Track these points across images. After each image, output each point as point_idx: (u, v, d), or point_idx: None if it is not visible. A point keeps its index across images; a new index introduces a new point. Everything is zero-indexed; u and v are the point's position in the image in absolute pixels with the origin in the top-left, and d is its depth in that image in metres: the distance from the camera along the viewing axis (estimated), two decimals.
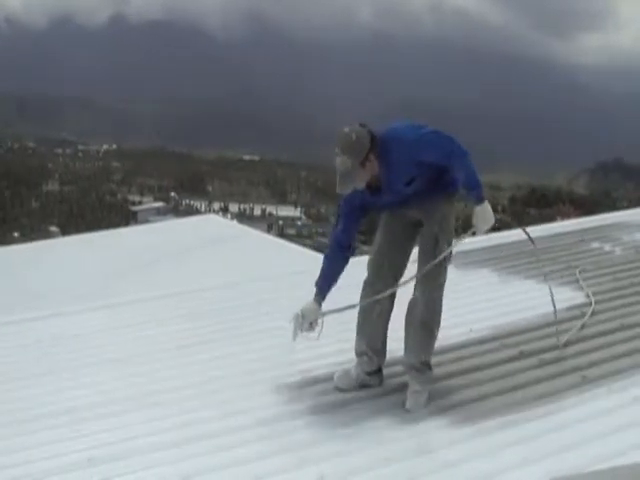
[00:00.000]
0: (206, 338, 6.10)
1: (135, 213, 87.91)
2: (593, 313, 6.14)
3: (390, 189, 4.52)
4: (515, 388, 4.80)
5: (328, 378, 5.04)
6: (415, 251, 4.86)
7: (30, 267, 15.82)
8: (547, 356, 5.27)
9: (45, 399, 4.99)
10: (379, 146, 4.35)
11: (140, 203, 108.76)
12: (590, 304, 6.35)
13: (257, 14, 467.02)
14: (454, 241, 4.71)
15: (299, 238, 64.32)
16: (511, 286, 7.16)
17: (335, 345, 5.48)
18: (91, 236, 20.06)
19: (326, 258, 4.80)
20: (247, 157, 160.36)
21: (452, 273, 4.96)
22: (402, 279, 4.80)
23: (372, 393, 4.85)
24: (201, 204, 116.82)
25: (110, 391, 5.07)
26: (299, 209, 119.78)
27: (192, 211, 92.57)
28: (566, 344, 5.45)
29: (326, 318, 4.67)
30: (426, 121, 4.61)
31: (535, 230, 8.69)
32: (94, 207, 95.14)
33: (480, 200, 4.46)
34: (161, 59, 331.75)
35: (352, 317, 4.94)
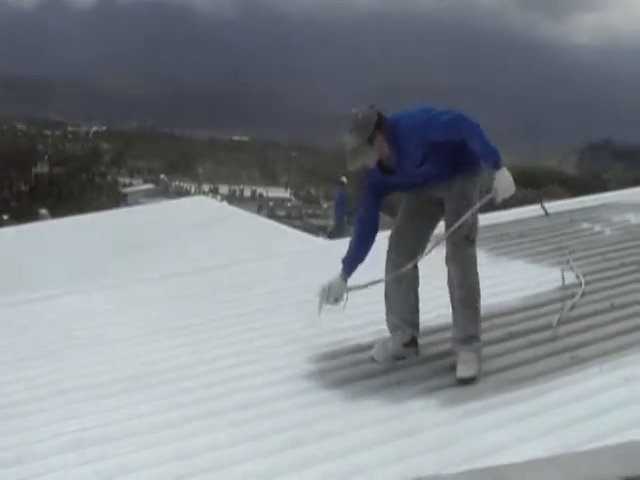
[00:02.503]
0: (199, 319, 6.12)
1: (125, 195, 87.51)
2: (583, 294, 6.15)
3: (402, 170, 4.69)
4: (504, 369, 4.82)
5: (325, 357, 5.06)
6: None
7: (20, 250, 15.78)
8: (536, 337, 5.28)
9: (35, 382, 5.00)
10: (389, 128, 4.54)
11: (130, 185, 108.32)
12: (580, 285, 6.36)
13: None
14: (470, 209, 4.71)
15: (289, 219, 64.14)
16: (500, 267, 7.17)
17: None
18: (81, 218, 20.01)
19: (353, 238, 4.96)
20: (237, 138, 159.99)
21: (441, 253, 4.97)
22: (423, 252, 4.90)
23: (368, 371, 4.88)
24: (191, 186, 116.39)
25: (101, 373, 5.08)
26: (289, 190, 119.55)
27: (182, 193, 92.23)
28: (558, 324, 5.46)
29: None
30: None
31: (525, 211, 8.72)
32: (84, 189, 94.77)
33: (498, 166, 4.49)
34: (151, 39, 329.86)
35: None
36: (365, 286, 4.91)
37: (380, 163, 4.66)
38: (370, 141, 4.51)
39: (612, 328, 5.44)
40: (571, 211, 9.27)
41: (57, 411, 4.51)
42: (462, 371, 4.68)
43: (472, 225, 4.77)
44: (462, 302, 4.81)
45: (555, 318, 5.51)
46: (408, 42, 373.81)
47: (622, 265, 7.02)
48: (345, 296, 4.85)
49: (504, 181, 4.48)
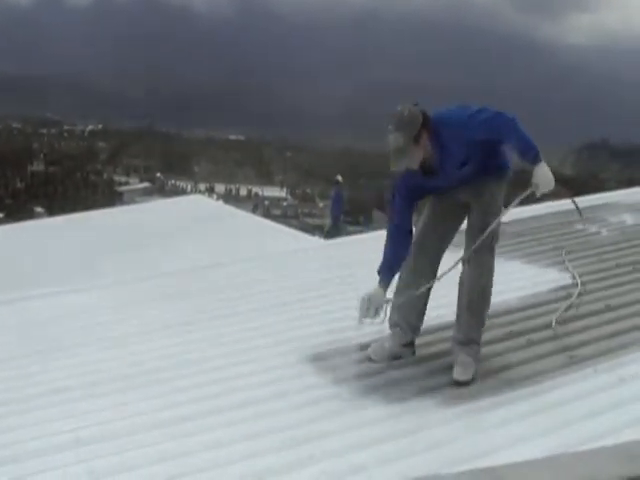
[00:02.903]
0: (195, 318, 6.11)
1: (121, 194, 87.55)
2: (580, 294, 6.15)
3: (443, 171, 4.57)
4: (503, 368, 4.82)
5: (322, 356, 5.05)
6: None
7: (15, 248, 15.76)
8: (535, 336, 5.28)
9: (33, 379, 4.98)
10: (432, 127, 4.42)
11: (126, 183, 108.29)
12: (576, 285, 6.36)
13: None
14: (503, 209, 4.74)
15: (285, 219, 64.24)
16: (498, 266, 7.11)
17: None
18: (77, 217, 20.00)
19: (387, 244, 4.79)
20: (233, 137, 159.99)
21: (449, 262, 4.98)
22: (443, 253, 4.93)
23: (365, 371, 4.88)
24: (187, 185, 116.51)
25: (98, 371, 5.06)
26: (285, 190, 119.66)
27: (178, 191, 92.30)
28: (558, 324, 5.47)
29: None
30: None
31: (522, 211, 8.72)
32: (79, 188, 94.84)
33: (537, 161, 4.47)
34: (147, 38, 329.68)
35: None
36: (405, 297, 4.86)
37: (421, 164, 4.51)
38: (416, 140, 4.36)
39: (608, 328, 5.45)
40: (568, 211, 9.26)
41: (52, 410, 4.49)
42: (458, 374, 4.67)
43: (494, 232, 4.73)
44: (469, 307, 4.78)
45: (553, 318, 5.51)
46: (403, 41, 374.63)
47: (618, 266, 7.02)
48: (385, 307, 4.75)
49: (544, 176, 4.46)
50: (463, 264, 4.80)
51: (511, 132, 4.45)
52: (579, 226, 8.60)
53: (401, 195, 4.71)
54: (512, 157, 4.74)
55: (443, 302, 5.15)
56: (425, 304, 4.99)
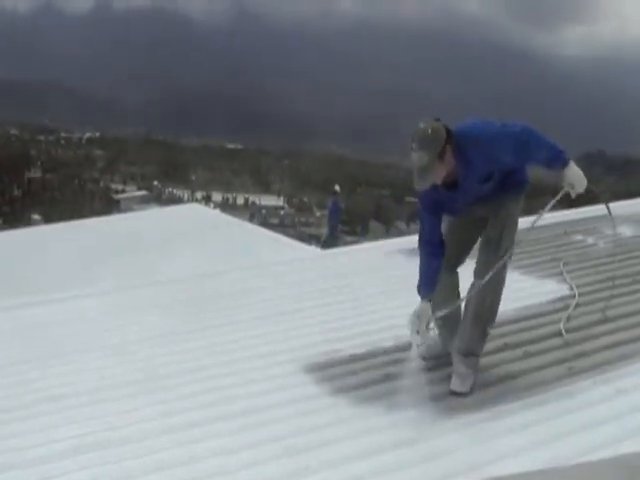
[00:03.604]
0: (192, 327, 6.11)
1: (118, 201, 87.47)
2: (577, 305, 6.15)
3: (466, 187, 4.52)
4: (502, 379, 4.83)
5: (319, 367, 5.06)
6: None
7: (12, 255, 15.75)
8: (532, 348, 5.29)
9: (32, 386, 4.99)
10: (456, 142, 4.37)
11: (123, 191, 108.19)
12: (574, 296, 6.36)
13: (240, 0, 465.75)
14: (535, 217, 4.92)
15: (282, 227, 64.22)
16: None
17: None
18: (74, 224, 19.98)
19: (422, 261, 4.79)
20: (230, 146, 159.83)
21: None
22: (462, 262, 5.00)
23: (364, 381, 4.89)
24: (184, 193, 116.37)
25: (97, 379, 5.07)
26: (282, 198, 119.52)
27: (175, 200, 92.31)
28: (560, 334, 5.50)
29: None
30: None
31: (523, 222, 8.71)
32: (76, 195, 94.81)
33: (566, 163, 4.54)
34: (145, 46, 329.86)
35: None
36: (448, 309, 4.82)
37: (443, 181, 4.46)
38: (440, 156, 4.30)
39: (605, 340, 5.46)
40: (565, 223, 9.27)
41: (54, 416, 4.50)
42: (456, 385, 4.70)
43: (508, 248, 4.72)
44: (474, 320, 4.77)
45: (562, 327, 5.51)
46: (399, 50, 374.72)
47: (616, 277, 7.02)
48: (431, 321, 4.77)
49: (576, 175, 4.54)
50: (475, 277, 4.79)
51: (540, 144, 4.50)
52: (577, 237, 8.61)
53: (427, 209, 4.70)
54: (532, 170, 4.79)
55: None
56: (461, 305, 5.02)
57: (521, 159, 4.59)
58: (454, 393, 4.66)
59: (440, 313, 4.76)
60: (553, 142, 4.52)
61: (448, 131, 4.36)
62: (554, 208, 5.02)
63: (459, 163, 4.40)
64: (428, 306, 4.68)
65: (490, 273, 4.62)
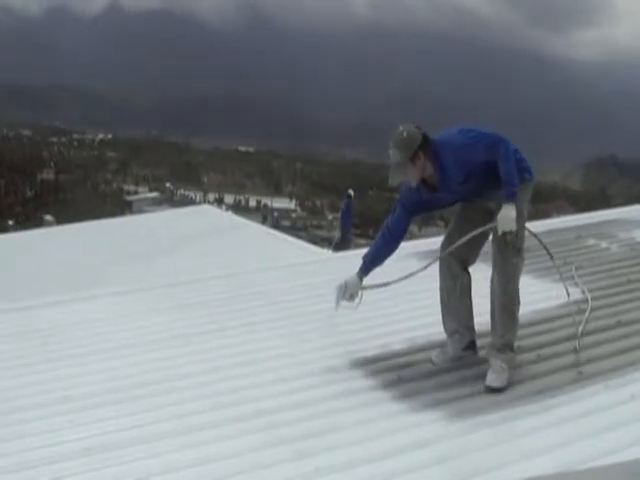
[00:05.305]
0: (204, 328, 6.12)
1: (130, 203, 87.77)
2: (591, 309, 6.12)
3: (446, 188, 4.87)
4: (514, 383, 4.81)
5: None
6: None
7: (25, 256, 15.81)
8: (544, 352, 5.28)
9: (43, 387, 5.00)
10: (434, 149, 4.72)
11: (135, 193, 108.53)
12: (586, 301, 6.33)
13: (252, 3, 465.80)
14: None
15: (293, 230, 64.31)
16: None
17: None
18: (86, 225, 20.04)
19: (376, 240, 5.13)
20: (242, 148, 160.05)
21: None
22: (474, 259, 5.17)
23: (376, 384, 4.88)
24: (196, 195, 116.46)
25: (107, 380, 5.08)
26: (294, 201, 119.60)
27: (187, 201, 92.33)
28: (566, 340, 5.48)
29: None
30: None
31: (532, 226, 8.69)
32: (89, 196, 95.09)
33: (507, 200, 4.68)
34: (157, 48, 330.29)
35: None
36: (377, 286, 5.10)
37: (424, 181, 4.83)
38: (412, 160, 4.69)
39: (619, 344, 5.43)
40: (578, 227, 9.26)
41: (66, 417, 4.50)
42: (492, 380, 4.76)
43: (520, 235, 4.85)
44: (502, 309, 4.90)
45: (577, 343, 5.48)
46: (411, 55, 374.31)
47: (629, 281, 7.00)
48: (360, 294, 5.03)
49: (507, 216, 4.65)
50: (493, 269, 4.95)
51: (506, 163, 4.68)
52: (590, 241, 8.59)
53: (404, 206, 5.04)
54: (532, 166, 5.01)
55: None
56: (471, 301, 5.17)
57: (493, 163, 4.73)
58: (490, 389, 4.72)
59: (369, 287, 5.06)
60: (514, 173, 4.69)
61: (426, 139, 4.74)
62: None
63: (435, 168, 4.76)
64: (358, 280, 5.01)
65: (458, 243, 4.91)
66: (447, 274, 5.11)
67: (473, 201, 5.04)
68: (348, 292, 4.98)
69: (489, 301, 5.00)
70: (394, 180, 4.80)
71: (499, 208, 4.76)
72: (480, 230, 4.86)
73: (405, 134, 4.74)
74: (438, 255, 5.12)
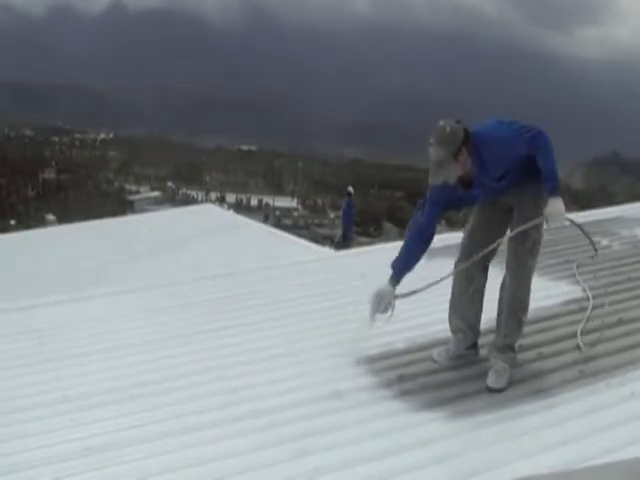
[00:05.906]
0: (206, 327, 6.12)
1: (132, 202, 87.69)
2: (593, 307, 6.11)
3: (481, 184, 4.70)
4: (515, 381, 4.80)
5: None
6: None
7: (26, 255, 15.81)
8: (545, 350, 5.26)
9: (42, 387, 4.99)
10: (473, 143, 4.53)
11: (137, 192, 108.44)
12: (588, 299, 6.32)
13: (254, 2, 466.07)
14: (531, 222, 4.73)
15: (295, 229, 64.24)
16: None
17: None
18: (88, 225, 20.03)
19: (406, 243, 4.96)
20: (245, 147, 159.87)
21: (451, 265, 5.05)
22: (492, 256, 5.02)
23: (376, 382, 4.87)
24: (198, 194, 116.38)
25: (108, 380, 5.07)
26: (296, 200, 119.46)
27: (189, 201, 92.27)
28: (567, 338, 5.47)
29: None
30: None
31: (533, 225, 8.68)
32: (91, 196, 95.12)
33: (553, 193, 4.55)
34: (159, 47, 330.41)
35: None
36: (412, 294, 4.96)
37: (460, 177, 4.65)
38: (455, 156, 4.49)
39: (620, 342, 5.41)
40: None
41: (66, 417, 4.50)
42: (493, 381, 4.74)
43: (536, 239, 4.79)
44: (510, 313, 4.86)
45: (580, 342, 5.46)
46: (411, 53, 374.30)
47: (630, 279, 6.99)
48: (393, 304, 4.86)
49: (556, 210, 4.54)
50: (506, 269, 4.89)
51: (546, 156, 4.54)
52: (592, 239, 8.55)
53: (434, 203, 4.85)
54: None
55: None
56: (482, 303, 5.11)
57: (532, 157, 4.60)
58: (490, 389, 4.70)
59: (401, 296, 4.88)
60: (555, 166, 4.57)
61: (467, 133, 4.52)
62: None
63: (474, 163, 4.56)
64: (392, 289, 4.83)
65: (489, 248, 4.83)
66: (462, 275, 5.02)
67: (494, 199, 4.91)
68: (383, 303, 4.82)
69: (496, 299, 4.96)
70: (436, 179, 4.60)
71: (519, 204, 4.75)
72: (523, 228, 4.70)
73: (448, 129, 4.51)
74: (462, 260, 4.98)
